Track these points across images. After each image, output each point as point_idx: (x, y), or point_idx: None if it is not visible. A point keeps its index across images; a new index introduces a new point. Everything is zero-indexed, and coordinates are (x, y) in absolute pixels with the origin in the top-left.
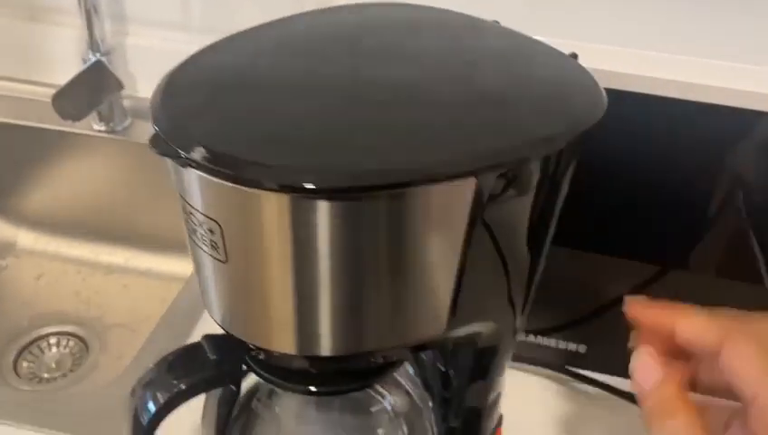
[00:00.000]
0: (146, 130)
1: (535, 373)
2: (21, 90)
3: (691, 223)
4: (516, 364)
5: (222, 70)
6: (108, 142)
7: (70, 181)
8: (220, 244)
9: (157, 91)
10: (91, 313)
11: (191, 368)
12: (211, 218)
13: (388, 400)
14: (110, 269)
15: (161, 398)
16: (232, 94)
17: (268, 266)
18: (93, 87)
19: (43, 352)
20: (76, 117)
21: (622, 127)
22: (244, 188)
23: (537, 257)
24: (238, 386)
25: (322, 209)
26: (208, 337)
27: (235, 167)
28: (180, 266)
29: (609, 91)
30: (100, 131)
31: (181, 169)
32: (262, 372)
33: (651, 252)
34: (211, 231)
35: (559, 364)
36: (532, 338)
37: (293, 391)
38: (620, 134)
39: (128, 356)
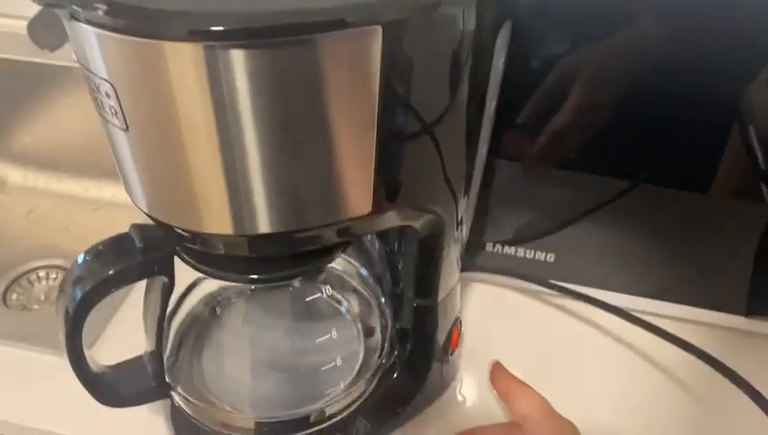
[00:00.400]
0: None
1: (505, 285)
2: (2, 24)
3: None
4: (485, 275)
5: None
6: None
7: (56, 116)
8: (118, 108)
9: None
10: (80, 247)
11: (119, 257)
12: (105, 79)
13: (340, 302)
14: (98, 204)
15: (87, 285)
16: None
17: (183, 132)
18: None
19: (32, 284)
20: (53, 45)
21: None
22: (146, 40)
23: (474, 129)
24: (171, 278)
25: (232, 58)
26: (137, 226)
27: (132, 16)
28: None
29: None
30: None
31: (75, 24)
32: (195, 263)
33: (623, 167)
34: (107, 95)
35: (527, 274)
36: (499, 248)
37: (230, 280)
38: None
39: None
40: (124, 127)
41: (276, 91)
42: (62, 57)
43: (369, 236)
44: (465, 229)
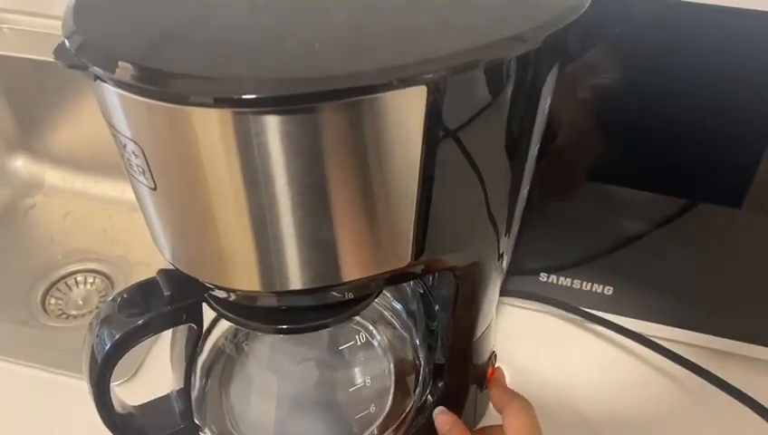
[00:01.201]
0: None
1: (555, 315)
2: (42, 24)
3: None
4: (533, 304)
5: None
6: None
7: (94, 117)
8: (145, 167)
9: (68, 8)
10: (117, 250)
11: (147, 306)
12: (131, 139)
13: (373, 335)
14: (134, 207)
15: (116, 335)
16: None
17: (212, 193)
18: None
19: (70, 289)
20: None
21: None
22: (174, 105)
23: (518, 174)
24: (200, 324)
25: (265, 124)
26: (164, 272)
27: (159, 81)
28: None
29: None
30: None
31: (101, 84)
32: (224, 311)
33: (679, 186)
34: (135, 154)
35: (573, 306)
36: (554, 278)
37: (259, 330)
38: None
39: None
40: (152, 186)
41: (311, 154)
42: None
43: None
44: (505, 264)
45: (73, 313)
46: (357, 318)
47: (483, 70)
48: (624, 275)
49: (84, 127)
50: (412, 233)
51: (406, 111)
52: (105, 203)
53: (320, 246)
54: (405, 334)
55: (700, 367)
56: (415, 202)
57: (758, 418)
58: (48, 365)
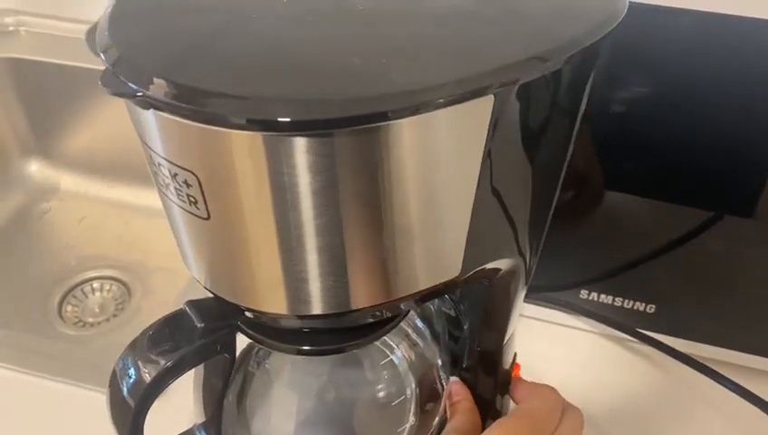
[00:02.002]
0: None
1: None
2: (59, 27)
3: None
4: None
5: None
6: None
7: (110, 122)
8: (200, 198)
9: (103, 18)
10: (133, 256)
11: (179, 340)
12: (186, 169)
13: (395, 352)
14: (150, 213)
15: (151, 374)
16: (188, 18)
17: (254, 219)
18: None
19: (86, 296)
20: None
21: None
22: (212, 127)
23: (556, 179)
24: (233, 354)
25: (334, 145)
26: (193, 303)
27: (197, 101)
28: None
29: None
30: None
31: (142, 111)
32: (255, 335)
33: (709, 198)
34: (187, 184)
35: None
36: (594, 296)
37: (287, 351)
38: (682, 65)
39: (171, 302)
40: (205, 216)
41: (377, 171)
42: None
43: None
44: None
45: (90, 320)
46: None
47: (544, 78)
48: (666, 292)
49: (100, 132)
50: (464, 245)
51: (471, 122)
52: (121, 208)
53: (375, 265)
54: (429, 350)
55: (744, 388)
56: (470, 212)
57: None
58: (66, 377)
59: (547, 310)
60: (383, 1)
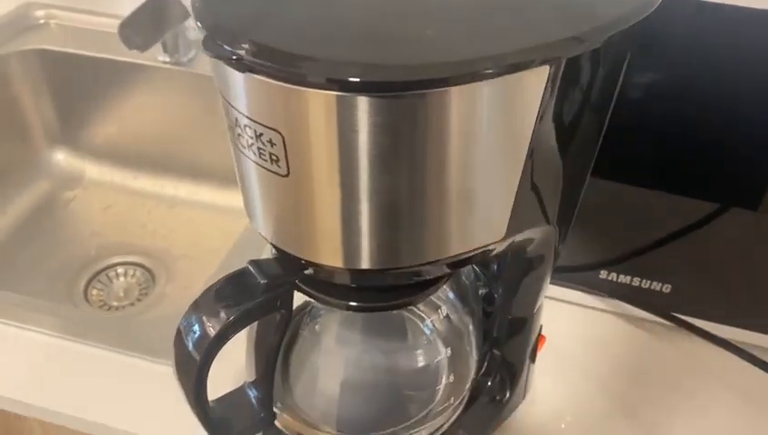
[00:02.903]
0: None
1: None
2: (87, 21)
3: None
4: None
5: None
6: (172, 74)
7: (135, 113)
8: (281, 156)
9: None
10: (157, 244)
11: (241, 296)
12: (273, 129)
13: (427, 323)
14: (174, 202)
15: (217, 327)
16: None
17: (325, 175)
18: (159, 16)
19: (111, 281)
20: (142, 47)
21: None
22: (298, 87)
23: (591, 151)
24: (290, 311)
25: (405, 107)
26: (254, 263)
27: (284, 62)
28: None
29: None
30: (165, 63)
31: (232, 75)
32: (312, 292)
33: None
34: (272, 142)
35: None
36: (614, 276)
37: (338, 307)
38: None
39: (194, 287)
40: (284, 172)
41: (442, 131)
42: (143, 55)
43: None
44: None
45: (114, 304)
46: (414, 308)
47: (588, 55)
48: (682, 273)
49: (126, 123)
50: (510, 209)
51: (528, 90)
52: (144, 198)
53: (428, 225)
54: (461, 322)
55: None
56: (519, 177)
57: None
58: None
59: (568, 290)
60: None
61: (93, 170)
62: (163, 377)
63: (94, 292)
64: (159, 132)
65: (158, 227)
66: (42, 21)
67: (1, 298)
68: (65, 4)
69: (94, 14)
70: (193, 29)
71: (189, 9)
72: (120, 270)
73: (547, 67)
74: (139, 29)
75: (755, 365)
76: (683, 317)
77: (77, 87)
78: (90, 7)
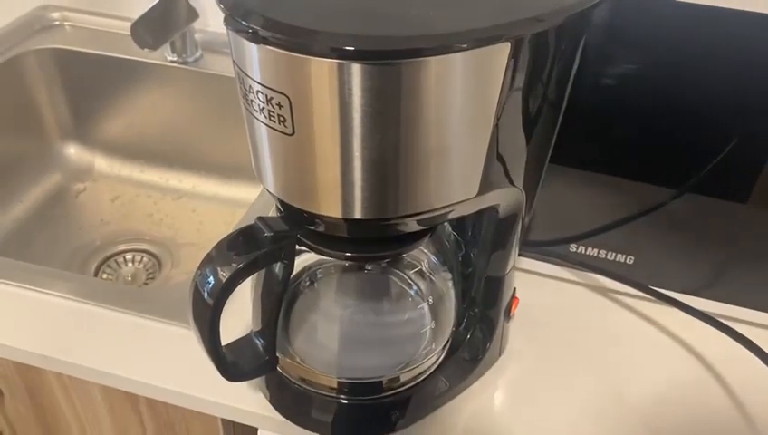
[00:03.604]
0: (215, 62)
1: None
2: (99, 23)
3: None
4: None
5: None
6: (180, 73)
7: (143, 110)
8: (288, 117)
9: None
10: (163, 233)
11: (250, 246)
12: (281, 92)
13: (411, 278)
14: (179, 194)
15: (228, 273)
16: None
17: (326, 133)
18: (170, 16)
19: (120, 266)
20: (153, 45)
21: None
22: (304, 56)
23: (552, 124)
24: (292, 262)
25: (396, 73)
26: (261, 219)
27: (294, 34)
28: (244, 192)
29: None
30: (172, 62)
31: (248, 47)
32: (310, 244)
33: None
34: (280, 105)
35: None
36: (582, 249)
37: (335, 257)
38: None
39: None
40: (290, 132)
41: (424, 96)
42: (152, 55)
43: (446, 227)
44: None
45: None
46: (400, 271)
47: (546, 33)
48: (645, 245)
49: (134, 119)
50: (482, 169)
51: (494, 63)
52: (150, 190)
53: (413, 179)
54: (441, 277)
55: (724, 324)
56: (488, 141)
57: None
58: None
59: (542, 263)
60: None
61: (103, 163)
62: (177, 337)
63: (104, 276)
64: (166, 128)
65: (164, 217)
66: (57, 22)
67: (22, 267)
68: (79, 6)
69: (105, 17)
70: (199, 32)
71: (197, 12)
72: (129, 256)
73: (509, 44)
74: (150, 29)
75: (705, 322)
76: (647, 285)
77: (89, 85)
78: (101, 10)
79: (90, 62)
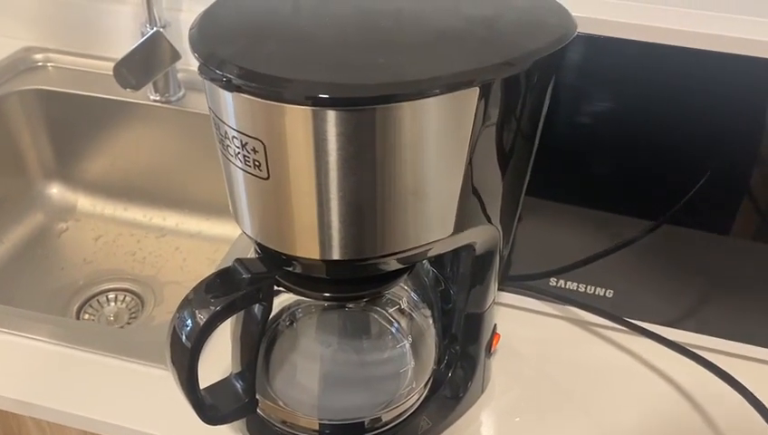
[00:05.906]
0: (198, 100)
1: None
2: (82, 63)
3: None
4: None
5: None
6: (162, 112)
7: (125, 149)
8: (263, 162)
9: (194, 25)
10: (147, 271)
11: (228, 288)
12: (256, 138)
13: (392, 316)
14: (162, 232)
15: (206, 315)
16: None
17: (301, 177)
18: (152, 57)
19: (102, 305)
20: (135, 86)
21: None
22: (276, 102)
23: (525, 163)
24: (271, 303)
25: (368, 120)
26: (239, 260)
27: (268, 82)
28: (228, 229)
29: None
30: (155, 102)
31: (223, 95)
32: (289, 285)
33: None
34: (255, 150)
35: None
36: (562, 283)
37: (314, 298)
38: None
39: None
40: (265, 176)
41: (396, 142)
42: (135, 95)
43: (424, 264)
44: (508, 247)
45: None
46: (380, 308)
47: (516, 78)
48: (624, 278)
49: (117, 158)
50: (456, 207)
51: (464, 106)
52: (134, 228)
53: (389, 220)
54: (422, 315)
55: (704, 358)
56: (461, 181)
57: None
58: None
59: (522, 297)
60: (401, 18)
61: (86, 203)
62: (157, 379)
63: (86, 316)
64: (148, 167)
65: (147, 255)
66: (40, 63)
67: (1, 311)
68: (62, 47)
69: (88, 57)
70: (182, 71)
71: (179, 52)
72: (111, 296)
73: (477, 88)
74: (133, 70)
75: (684, 355)
76: (625, 319)
77: (72, 124)
78: (84, 51)
79: (73, 103)
